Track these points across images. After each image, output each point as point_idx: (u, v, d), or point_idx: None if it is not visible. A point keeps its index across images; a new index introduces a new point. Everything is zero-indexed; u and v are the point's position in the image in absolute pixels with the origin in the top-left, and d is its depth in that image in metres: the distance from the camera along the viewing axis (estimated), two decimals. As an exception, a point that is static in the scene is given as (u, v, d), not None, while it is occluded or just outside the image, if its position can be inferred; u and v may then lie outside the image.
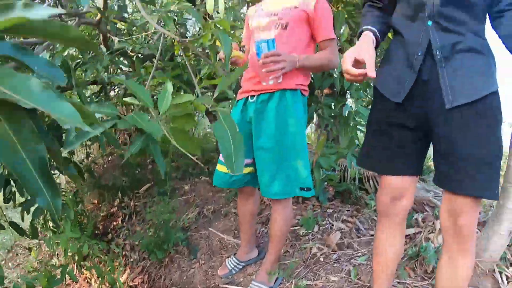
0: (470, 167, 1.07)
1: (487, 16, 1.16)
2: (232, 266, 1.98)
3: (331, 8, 2.38)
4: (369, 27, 1.23)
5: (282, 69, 1.43)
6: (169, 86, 1.03)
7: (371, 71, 1.07)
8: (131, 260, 2.57)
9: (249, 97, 1.61)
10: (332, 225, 2.32)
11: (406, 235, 2.06)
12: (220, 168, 1.69)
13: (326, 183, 2.60)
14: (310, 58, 1.54)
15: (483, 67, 1.09)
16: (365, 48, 1.14)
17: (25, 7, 0.35)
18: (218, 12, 0.80)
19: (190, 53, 2.57)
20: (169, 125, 1.01)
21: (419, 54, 1.14)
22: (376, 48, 1.23)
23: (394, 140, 1.23)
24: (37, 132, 0.38)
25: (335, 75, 2.21)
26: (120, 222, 3.08)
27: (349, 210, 2.51)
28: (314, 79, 2.32)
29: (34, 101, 0.34)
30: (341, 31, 2.34)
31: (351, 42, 2.45)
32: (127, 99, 1.08)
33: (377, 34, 1.23)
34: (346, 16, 2.38)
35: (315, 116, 2.57)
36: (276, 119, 1.51)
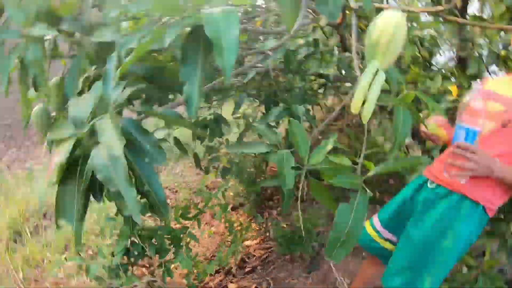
0: None
1: None
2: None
3: None
4: None
5: (469, 171, 1.19)
6: (331, 142, 1.00)
7: None
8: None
9: (429, 182, 1.40)
10: None
11: None
12: (368, 228, 1.58)
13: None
14: None
15: None
16: None
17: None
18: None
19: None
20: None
21: None
22: None
23: None
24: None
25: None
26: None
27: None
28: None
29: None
30: None
31: None
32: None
33: None
34: None
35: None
36: (437, 222, 1.29)
